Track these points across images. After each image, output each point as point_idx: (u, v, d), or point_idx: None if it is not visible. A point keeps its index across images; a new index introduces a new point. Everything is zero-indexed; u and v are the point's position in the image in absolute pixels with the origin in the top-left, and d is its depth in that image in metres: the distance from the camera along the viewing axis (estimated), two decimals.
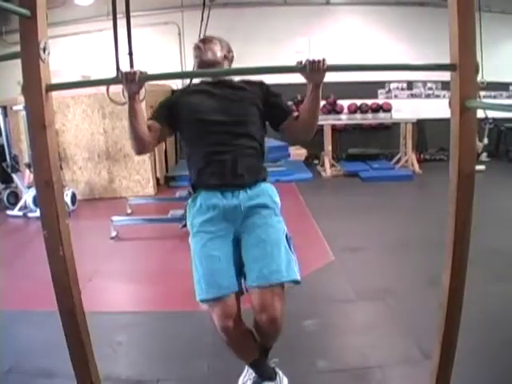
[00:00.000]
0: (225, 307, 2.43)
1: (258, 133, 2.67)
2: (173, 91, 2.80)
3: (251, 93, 2.69)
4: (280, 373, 2.99)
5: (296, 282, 2.58)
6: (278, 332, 2.58)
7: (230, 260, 2.53)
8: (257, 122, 2.67)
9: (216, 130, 2.56)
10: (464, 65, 1.95)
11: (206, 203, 2.58)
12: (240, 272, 2.56)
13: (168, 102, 2.84)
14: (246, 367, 2.98)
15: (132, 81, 2.17)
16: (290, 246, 2.63)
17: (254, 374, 2.92)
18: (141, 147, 2.57)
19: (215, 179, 2.56)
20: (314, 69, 2.13)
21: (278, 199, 2.73)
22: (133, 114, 2.43)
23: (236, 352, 2.70)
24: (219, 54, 2.71)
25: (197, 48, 2.72)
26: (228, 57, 2.81)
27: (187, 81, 12.09)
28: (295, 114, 2.66)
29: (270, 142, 10.85)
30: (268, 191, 2.68)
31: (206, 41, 2.74)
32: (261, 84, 2.76)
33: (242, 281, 2.57)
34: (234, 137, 2.57)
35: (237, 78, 2.78)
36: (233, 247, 2.57)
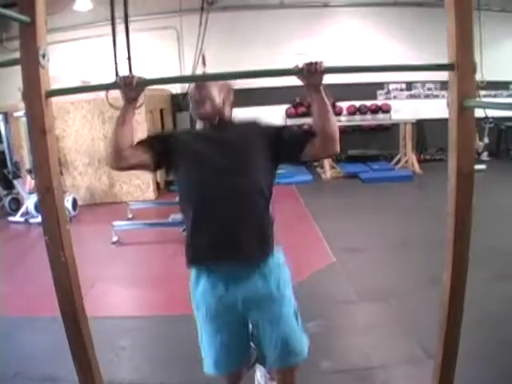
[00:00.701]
0: (231, 378, 2.61)
1: (266, 184, 2.34)
2: (173, 133, 2.46)
3: (256, 133, 2.39)
4: None
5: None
6: None
7: (238, 336, 2.46)
8: (265, 168, 2.35)
9: (216, 188, 2.23)
10: (462, 64, 1.95)
11: (210, 291, 2.35)
12: (248, 348, 2.55)
13: (166, 135, 2.58)
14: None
15: (130, 85, 2.14)
16: (298, 321, 2.48)
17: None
18: (117, 159, 2.21)
19: (213, 251, 2.27)
20: (311, 71, 2.11)
21: (286, 273, 2.47)
22: (121, 122, 2.20)
23: None
24: (217, 100, 2.38)
25: (193, 100, 2.39)
26: (227, 100, 2.46)
27: (186, 84, 12.18)
28: (307, 131, 2.37)
29: None
30: (279, 272, 2.40)
31: (200, 88, 2.38)
32: (259, 124, 2.47)
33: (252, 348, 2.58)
34: (238, 195, 2.24)
35: (238, 115, 2.55)
36: (240, 323, 2.45)
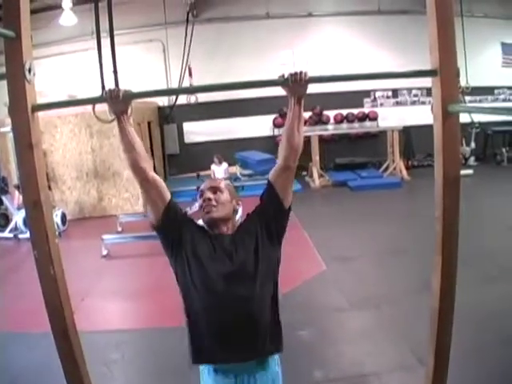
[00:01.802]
0: None
1: (269, 287, 2.30)
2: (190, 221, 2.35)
3: (253, 235, 2.33)
4: None
5: None
6: None
7: None
8: (267, 268, 2.30)
9: (220, 294, 2.20)
10: (445, 70, 1.97)
11: None
12: None
13: (183, 217, 2.42)
14: None
15: (116, 98, 2.14)
16: None
17: None
18: (135, 170, 2.24)
19: (219, 358, 2.25)
20: (296, 80, 2.12)
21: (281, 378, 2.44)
22: (123, 134, 2.22)
23: None
24: (228, 206, 2.38)
25: (206, 201, 2.34)
26: (233, 198, 2.44)
27: (173, 97, 12.20)
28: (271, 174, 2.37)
29: (257, 155, 10.89)
30: (276, 375, 2.38)
31: (215, 190, 2.38)
32: (247, 218, 2.43)
33: None
34: (241, 302, 2.21)
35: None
36: None
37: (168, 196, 2.33)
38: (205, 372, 2.34)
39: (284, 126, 2.34)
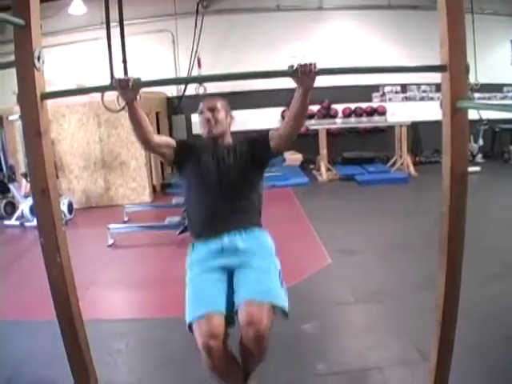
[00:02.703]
0: (209, 326, 2.36)
1: (255, 191, 2.95)
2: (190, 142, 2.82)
3: (243, 150, 2.94)
4: None
5: (284, 313, 2.52)
6: (263, 352, 2.51)
7: (221, 289, 2.61)
8: (255, 179, 2.97)
9: (217, 192, 2.81)
10: (454, 66, 1.97)
11: (204, 252, 2.78)
12: (230, 300, 2.54)
13: (184, 144, 3.05)
14: None
15: (126, 87, 2.18)
16: (281, 282, 2.65)
17: None
18: (145, 145, 2.82)
19: (213, 231, 2.79)
20: (305, 72, 2.13)
21: (271, 242, 2.92)
22: (135, 120, 2.60)
23: (218, 375, 2.57)
24: (225, 122, 2.97)
25: (206, 121, 2.90)
26: (228, 115, 3.04)
27: (182, 87, 12.19)
28: (273, 130, 2.90)
29: None
30: (261, 236, 2.90)
31: (213, 110, 2.91)
32: (245, 140, 3.01)
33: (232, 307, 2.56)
34: (233, 199, 2.82)
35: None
36: (225, 279, 2.68)
37: (173, 143, 2.94)
38: (191, 251, 2.89)
39: (288, 112, 2.69)
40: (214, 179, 2.81)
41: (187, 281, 2.71)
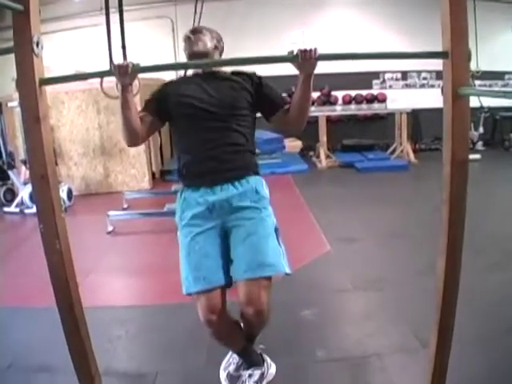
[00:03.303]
0: (210, 301, 2.42)
1: (247, 127, 2.65)
2: (165, 83, 2.71)
3: (241, 84, 2.65)
4: (268, 359, 3.01)
5: (286, 274, 2.54)
6: (265, 323, 2.59)
7: (218, 254, 2.53)
8: (246, 115, 2.65)
9: (205, 126, 2.54)
10: (456, 52, 1.95)
11: (195, 198, 2.58)
12: (228, 266, 2.55)
13: (159, 93, 2.74)
14: (230, 352, 3.03)
15: (125, 73, 2.17)
16: (278, 239, 2.59)
17: (238, 359, 2.96)
18: (133, 138, 2.57)
19: (204, 174, 2.56)
20: (305, 58, 2.12)
21: (266, 192, 2.71)
22: (125, 106, 2.42)
23: (222, 342, 2.72)
24: (209, 44, 2.67)
25: (187, 39, 2.69)
26: (218, 47, 2.77)
27: (181, 73, 12.13)
28: (287, 106, 2.64)
29: (265, 135, 10.87)
30: (257, 186, 2.64)
31: (195, 31, 2.70)
32: (252, 75, 2.72)
33: (230, 274, 2.56)
34: (223, 132, 2.55)
35: (229, 69, 2.77)
36: (221, 241, 2.57)
37: (154, 117, 2.65)
38: (180, 198, 2.69)
39: (292, 100, 2.56)
40: (200, 109, 2.54)
41: (179, 239, 2.63)
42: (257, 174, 2.70)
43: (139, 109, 2.62)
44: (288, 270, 2.53)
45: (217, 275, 2.48)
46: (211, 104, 2.55)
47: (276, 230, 2.61)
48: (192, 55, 2.65)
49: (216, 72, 2.71)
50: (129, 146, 2.63)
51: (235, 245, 2.52)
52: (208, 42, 2.67)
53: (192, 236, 2.53)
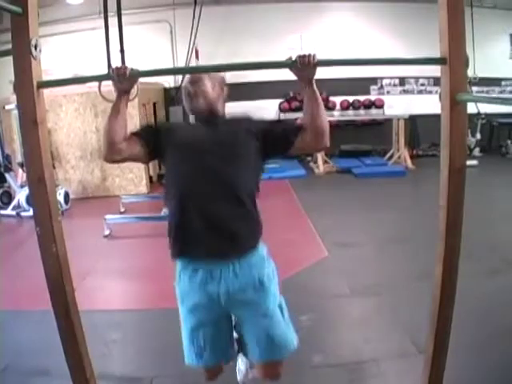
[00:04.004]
0: (212, 371, 2.55)
1: (252, 180, 2.35)
2: (169, 122, 2.52)
3: (246, 133, 2.35)
4: None
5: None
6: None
7: (221, 330, 2.44)
8: (252, 164, 2.35)
9: (201, 176, 2.23)
10: (454, 58, 1.96)
11: (194, 286, 2.32)
12: (231, 340, 2.56)
13: (158, 126, 2.58)
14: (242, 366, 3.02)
15: (123, 76, 2.14)
16: (283, 314, 2.46)
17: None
18: (111, 152, 2.22)
19: (198, 240, 2.24)
20: (304, 63, 2.10)
21: (271, 266, 2.47)
22: (115, 114, 2.20)
23: None
24: (211, 95, 2.39)
25: (187, 94, 2.43)
26: (222, 94, 2.49)
27: (179, 78, 12.16)
28: (301, 124, 2.34)
29: None
30: (259, 272, 2.36)
31: (194, 81, 2.41)
32: (249, 118, 2.48)
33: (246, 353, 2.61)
34: (224, 185, 2.24)
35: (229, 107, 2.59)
36: (223, 316, 2.44)
37: (141, 143, 2.31)
38: (178, 276, 2.39)
39: (303, 112, 2.30)
40: (199, 167, 2.24)
41: (181, 316, 2.46)
42: (257, 241, 2.39)
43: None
44: (295, 346, 2.46)
45: (219, 355, 2.47)
46: (213, 159, 2.24)
47: (280, 305, 2.46)
48: (194, 112, 2.45)
49: (218, 118, 2.43)
50: (105, 159, 2.29)
51: (244, 324, 2.43)
52: (210, 93, 2.39)
53: (191, 310, 2.38)
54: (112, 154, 2.23)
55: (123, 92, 2.20)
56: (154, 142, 2.34)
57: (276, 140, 2.36)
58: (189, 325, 2.40)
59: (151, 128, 2.51)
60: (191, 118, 2.51)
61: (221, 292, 2.28)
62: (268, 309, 2.36)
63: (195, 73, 2.61)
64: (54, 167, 8.34)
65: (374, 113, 13.28)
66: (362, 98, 13.19)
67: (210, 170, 2.22)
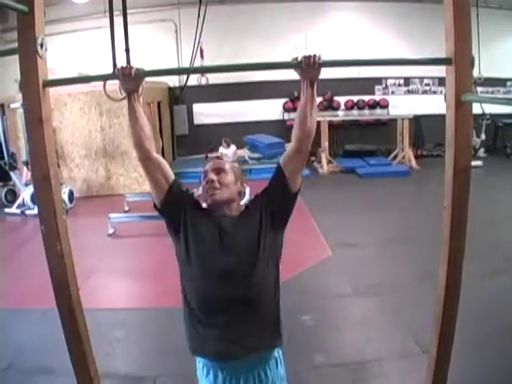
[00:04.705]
0: None
1: (272, 272, 2.24)
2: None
3: (257, 218, 2.25)
4: None
5: None
6: None
7: None
8: (271, 257, 2.24)
9: (216, 284, 2.14)
10: (459, 59, 1.95)
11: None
12: None
13: (186, 196, 2.36)
14: None
15: (128, 75, 2.13)
16: None
17: None
18: (141, 149, 2.23)
19: (219, 346, 2.15)
20: (309, 64, 2.09)
21: (283, 371, 2.35)
22: (132, 114, 2.20)
23: None
24: (233, 188, 2.30)
25: (210, 182, 2.27)
26: (242, 190, 2.40)
27: (184, 77, 12.16)
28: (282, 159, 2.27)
29: (266, 139, 10.86)
30: (277, 370, 2.29)
31: (219, 172, 2.30)
32: (257, 197, 2.36)
33: None
34: (243, 290, 2.15)
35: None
36: None
37: (171, 177, 2.27)
38: (202, 372, 2.29)
39: (297, 110, 2.24)
40: (216, 267, 2.15)
41: None
42: (278, 341, 2.29)
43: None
44: None
45: None
46: (228, 255, 2.16)
47: None
48: (215, 205, 2.29)
49: (230, 212, 2.30)
50: (139, 160, 2.28)
51: None
52: (232, 184, 2.30)
53: None
54: (143, 152, 2.23)
55: (131, 92, 2.19)
56: (173, 197, 2.27)
57: (276, 199, 2.27)
58: None
59: (178, 187, 2.33)
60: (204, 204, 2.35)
61: None
62: None
63: (200, 73, 2.65)
64: (58, 166, 8.37)
65: (379, 113, 13.29)
66: (366, 97, 13.20)
67: (226, 275, 2.13)
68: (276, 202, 2.26)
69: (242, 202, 2.43)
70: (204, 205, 2.34)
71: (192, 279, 2.20)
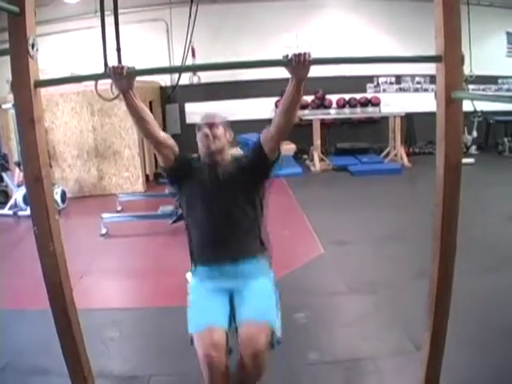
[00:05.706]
0: (211, 336, 2.40)
1: (252, 211, 2.84)
2: (179, 154, 2.76)
3: (240, 172, 2.83)
4: None
5: (278, 342, 2.50)
6: (260, 372, 2.50)
7: (223, 308, 2.64)
8: (254, 197, 2.85)
9: (214, 215, 2.76)
10: (449, 56, 1.96)
11: (205, 275, 2.81)
12: (231, 318, 2.63)
13: (188, 162, 2.91)
14: None
15: (120, 74, 2.16)
16: (277, 307, 2.67)
17: None
18: (148, 127, 2.64)
19: (212, 256, 2.79)
20: (299, 61, 2.12)
21: (271, 273, 2.88)
22: (133, 111, 2.49)
23: None
24: (223, 138, 2.83)
25: (204, 137, 2.78)
26: (230, 138, 2.93)
27: (176, 76, 12.14)
28: (263, 135, 2.77)
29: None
30: (262, 268, 2.84)
31: (212, 126, 2.80)
32: (241, 156, 3.05)
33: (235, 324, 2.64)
34: (230, 220, 2.77)
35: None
36: (228, 301, 2.70)
37: (176, 148, 2.81)
38: (193, 275, 2.89)
39: (282, 100, 2.55)
40: (212, 202, 2.77)
41: (189, 301, 2.73)
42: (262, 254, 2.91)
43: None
44: (279, 335, 2.52)
45: (219, 317, 2.55)
46: (222, 194, 2.77)
47: (277, 304, 2.69)
48: (210, 153, 2.81)
49: (222, 159, 2.86)
50: (145, 133, 2.71)
51: (240, 302, 2.67)
52: (222, 137, 2.83)
53: (200, 291, 2.76)
54: (153, 139, 2.71)
55: (126, 90, 2.34)
56: (178, 166, 2.82)
57: (254, 164, 2.82)
58: (195, 302, 2.71)
59: (182, 156, 2.88)
60: (202, 156, 2.90)
61: (228, 280, 2.74)
62: (263, 295, 2.68)
63: (191, 72, 2.73)
64: (50, 166, 8.34)
65: (371, 111, 13.29)
66: (358, 95, 13.20)
67: (218, 204, 2.77)
68: (256, 165, 2.81)
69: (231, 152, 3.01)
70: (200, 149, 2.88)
71: (195, 215, 2.83)
